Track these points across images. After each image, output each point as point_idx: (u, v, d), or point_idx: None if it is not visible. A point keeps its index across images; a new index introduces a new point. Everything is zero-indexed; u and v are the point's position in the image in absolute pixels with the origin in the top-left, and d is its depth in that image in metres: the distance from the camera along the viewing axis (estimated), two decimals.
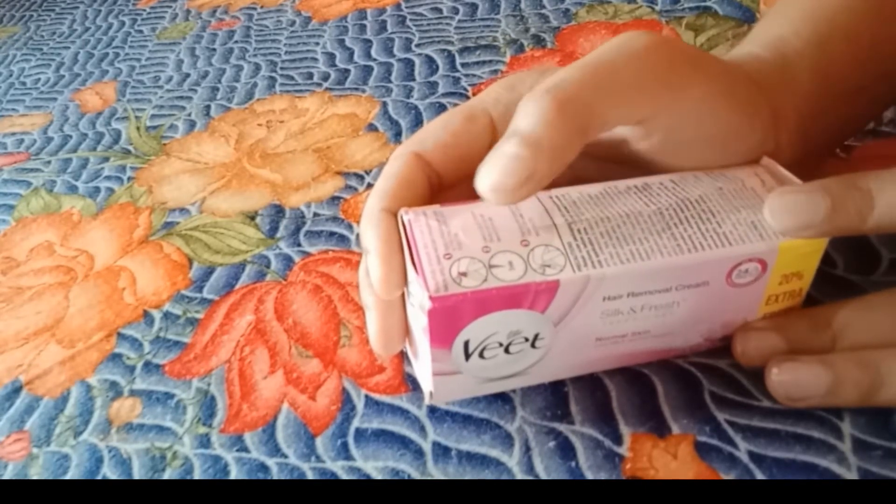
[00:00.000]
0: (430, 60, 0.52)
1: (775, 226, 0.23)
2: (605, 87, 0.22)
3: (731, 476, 0.24)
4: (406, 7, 0.61)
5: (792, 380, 0.24)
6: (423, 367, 0.26)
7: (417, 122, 0.45)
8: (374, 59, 0.54)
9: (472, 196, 0.22)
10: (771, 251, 0.23)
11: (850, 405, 0.24)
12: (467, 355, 0.24)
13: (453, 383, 0.25)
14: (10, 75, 0.68)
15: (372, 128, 0.46)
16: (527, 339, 0.24)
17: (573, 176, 0.25)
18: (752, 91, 0.25)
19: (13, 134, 0.57)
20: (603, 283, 0.23)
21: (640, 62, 0.23)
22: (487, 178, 0.21)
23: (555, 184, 0.23)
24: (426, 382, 0.26)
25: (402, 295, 0.25)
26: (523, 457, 0.25)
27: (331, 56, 0.56)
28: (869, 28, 0.28)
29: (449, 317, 0.23)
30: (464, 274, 0.22)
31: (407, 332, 0.26)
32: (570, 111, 0.21)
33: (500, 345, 0.24)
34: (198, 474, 0.28)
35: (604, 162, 0.26)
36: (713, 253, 0.23)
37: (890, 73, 0.29)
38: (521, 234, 0.23)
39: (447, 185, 0.27)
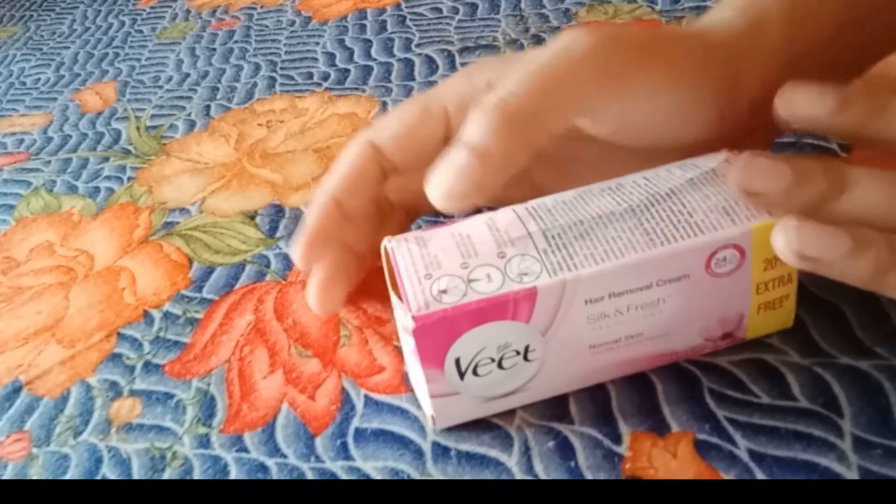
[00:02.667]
0: (430, 60, 0.52)
1: (733, 182, 0.23)
2: (551, 98, 0.23)
3: (730, 475, 0.24)
4: (406, 7, 0.61)
5: (812, 236, 0.21)
6: (422, 393, 0.26)
7: None
8: (374, 59, 0.54)
9: (422, 182, 0.24)
10: (744, 234, 0.23)
11: (860, 281, 0.21)
12: (461, 373, 0.24)
13: (454, 405, 0.25)
14: (10, 75, 0.68)
15: None
16: (518, 353, 0.24)
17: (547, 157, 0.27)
18: (706, 66, 0.26)
19: (13, 134, 0.57)
20: (580, 286, 0.23)
21: (583, 66, 0.24)
22: (438, 185, 0.23)
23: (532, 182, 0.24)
24: (427, 407, 0.26)
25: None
26: (522, 457, 0.25)
27: (331, 56, 0.56)
28: None
29: (434, 334, 0.23)
30: (444, 291, 0.23)
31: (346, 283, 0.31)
32: (517, 124, 0.23)
33: (493, 360, 0.24)
34: (197, 474, 0.28)
35: (571, 141, 0.27)
36: (686, 243, 0.23)
37: (881, 8, 0.28)
38: (498, 247, 0.24)
39: (401, 172, 0.30)
